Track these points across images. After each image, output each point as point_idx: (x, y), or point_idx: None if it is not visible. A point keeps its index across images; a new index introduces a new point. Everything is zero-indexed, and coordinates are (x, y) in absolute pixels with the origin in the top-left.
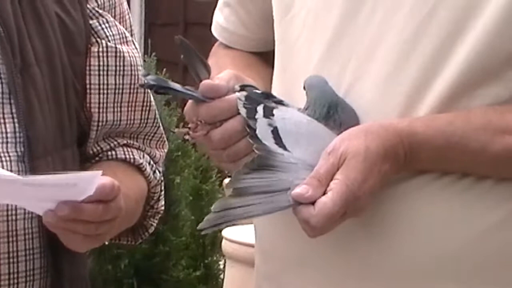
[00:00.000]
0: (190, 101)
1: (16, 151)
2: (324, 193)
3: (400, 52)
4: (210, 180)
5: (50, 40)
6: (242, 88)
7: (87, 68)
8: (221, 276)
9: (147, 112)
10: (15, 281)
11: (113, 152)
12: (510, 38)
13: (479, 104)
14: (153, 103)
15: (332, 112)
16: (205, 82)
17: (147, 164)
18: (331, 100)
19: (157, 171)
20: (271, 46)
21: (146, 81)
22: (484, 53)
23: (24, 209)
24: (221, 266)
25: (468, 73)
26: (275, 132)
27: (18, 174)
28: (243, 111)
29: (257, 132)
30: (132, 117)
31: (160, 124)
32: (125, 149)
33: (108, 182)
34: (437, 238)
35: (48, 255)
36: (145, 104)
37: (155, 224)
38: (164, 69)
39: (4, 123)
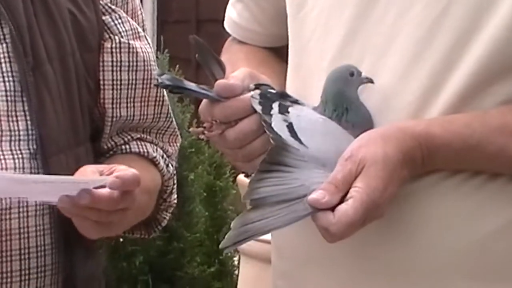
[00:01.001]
0: (204, 100)
1: (29, 149)
2: (342, 200)
3: (414, 50)
4: (224, 176)
5: (62, 37)
6: (257, 87)
7: (101, 64)
8: (236, 272)
9: (160, 107)
10: (27, 277)
11: (127, 146)
12: None
13: (493, 101)
14: (166, 97)
15: (342, 112)
16: (220, 81)
17: (161, 158)
18: (343, 101)
19: (170, 165)
20: (284, 41)
21: (161, 81)
22: (499, 50)
23: (36, 206)
24: (236, 263)
25: (483, 70)
26: (291, 127)
27: (30, 173)
28: (258, 108)
29: (272, 125)
30: (145, 112)
31: (173, 119)
32: (139, 143)
33: (129, 174)
34: (449, 235)
35: (60, 251)
36: (158, 99)
37: (167, 218)
38: (177, 66)
39: (17, 120)
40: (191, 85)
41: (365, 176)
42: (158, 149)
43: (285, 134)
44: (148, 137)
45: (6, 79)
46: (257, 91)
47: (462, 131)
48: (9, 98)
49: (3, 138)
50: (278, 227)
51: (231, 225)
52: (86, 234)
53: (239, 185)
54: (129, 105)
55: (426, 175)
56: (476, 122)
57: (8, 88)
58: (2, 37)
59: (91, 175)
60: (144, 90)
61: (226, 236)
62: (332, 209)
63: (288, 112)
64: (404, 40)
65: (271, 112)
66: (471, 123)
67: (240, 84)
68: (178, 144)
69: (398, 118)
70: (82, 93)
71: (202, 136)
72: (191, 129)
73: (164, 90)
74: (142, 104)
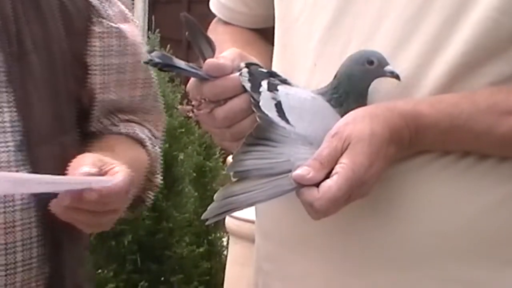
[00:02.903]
0: (193, 79)
1: (15, 140)
2: (327, 177)
3: (402, 31)
4: (213, 156)
5: (49, 26)
6: (247, 66)
7: (88, 48)
8: (225, 252)
9: (147, 88)
10: (12, 271)
11: (116, 128)
12: None
13: (483, 81)
14: (153, 79)
15: (341, 96)
16: (209, 60)
17: (147, 139)
18: (349, 85)
19: (156, 146)
20: (270, 22)
21: (151, 58)
22: (487, 31)
23: (22, 200)
24: (225, 243)
25: (472, 51)
26: (279, 106)
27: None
28: (247, 85)
29: (260, 104)
30: (133, 94)
31: (159, 100)
32: (127, 124)
33: (125, 185)
34: (438, 217)
35: (47, 243)
36: (146, 80)
37: (151, 197)
38: (168, 46)
39: (2, 112)
40: (181, 63)
41: (350, 153)
42: (145, 130)
43: (272, 113)
44: (135, 118)
45: None
46: (246, 69)
47: (450, 110)
48: None
49: None
50: (261, 201)
51: (214, 197)
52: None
53: (226, 172)
54: (117, 89)
55: (414, 157)
56: (465, 102)
57: None
58: None
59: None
60: (132, 73)
61: (208, 208)
62: (317, 185)
63: (277, 90)
64: (392, 21)
65: (260, 90)
66: (459, 103)
67: (229, 64)
68: (164, 123)
69: (386, 99)
70: (68, 80)
71: (190, 114)
72: (179, 107)
73: (152, 71)
74: (130, 86)
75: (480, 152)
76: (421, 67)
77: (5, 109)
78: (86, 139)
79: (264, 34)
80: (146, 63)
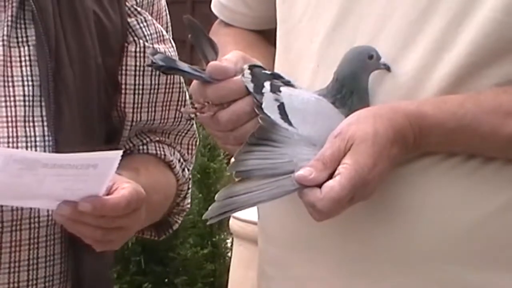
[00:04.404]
0: (196, 81)
1: None
2: (330, 177)
3: (407, 32)
4: (218, 158)
5: (86, 41)
6: (250, 68)
7: (123, 67)
8: (229, 254)
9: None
10: (34, 287)
11: (145, 147)
12: None
13: (487, 83)
14: (188, 101)
15: (345, 95)
16: (212, 63)
17: (177, 162)
18: (352, 83)
19: (186, 169)
20: (272, 24)
21: (154, 61)
22: (492, 32)
23: (48, 216)
24: (229, 245)
25: (477, 52)
26: (282, 108)
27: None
28: (250, 86)
29: (263, 106)
30: (166, 116)
31: (194, 122)
32: (157, 145)
33: (123, 199)
34: (443, 219)
35: (69, 260)
36: (180, 102)
37: (179, 222)
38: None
39: (34, 126)
40: (184, 66)
41: (354, 153)
42: (176, 152)
43: (275, 114)
44: (166, 139)
45: (26, 83)
46: (249, 71)
47: (455, 111)
48: (27, 103)
49: (19, 144)
50: (263, 201)
51: (215, 197)
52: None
53: (228, 172)
54: (150, 109)
55: (418, 159)
56: (469, 102)
57: (27, 93)
58: (25, 39)
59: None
60: (166, 95)
61: (209, 208)
62: (320, 186)
63: (280, 91)
64: (397, 21)
65: (263, 91)
66: (464, 103)
67: (233, 66)
68: (196, 147)
69: (390, 99)
70: (100, 97)
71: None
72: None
73: (186, 93)
74: (164, 108)
75: (485, 154)
76: (425, 68)
77: (37, 123)
78: None
79: (266, 36)
80: (149, 65)
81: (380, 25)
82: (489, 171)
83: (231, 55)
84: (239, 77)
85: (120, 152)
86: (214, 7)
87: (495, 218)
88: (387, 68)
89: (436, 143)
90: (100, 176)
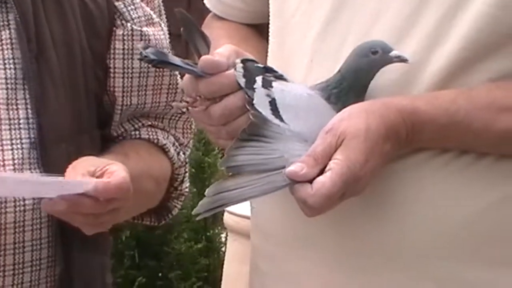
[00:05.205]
0: (187, 75)
1: (29, 138)
2: (322, 173)
3: (401, 26)
4: (212, 152)
5: (69, 23)
6: (243, 62)
7: (111, 51)
8: (223, 249)
9: (173, 95)
10: (21, 271)
11: (137, 132)
12: None
13: (480, 78)
14: (179, 85)
15: (341, 90)
16: (204, 57)
17: (171, 145)
18: (351, 78)
19: (181, 153)
20: (266, 18)
21: (145, 55)
22: (486, 26)
23: (34, 199)
24: (223, 239)
25: (470, 46)
26: (273, 104)
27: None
28: (241, 81)
29: (254, 102)
30: (158, 100)
31: None
32: (149, 130)
33: (114, 182)
34: (436, 216)
35: (56, 244)
36: (171, 86)
37: (179, 206)
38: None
39: (17, 109)
40: (176, 60)
41: (345, 149)
42: (170, 136)
43: (266, 111)
44: (160, 124)
45: (8, 66)
46: (241, 65)
47: (447, 106)
48: (9, 86)
49: (3, 127)
50: (254, 197)
51: (206, 192)
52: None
53: (219, 167)
54: (140, 93)
55: (412, 154)
56: (462, 98)
57: (8, 76)
58: (6, 23)
59: (80, 175)
60: (156, 78)
61: (200, 203)
62: (311, 181)
63: (272, 87)
64: (390, 16)
65: (254, 86)
66: (457, 99)
67: (225, 61)
68: (192, 131)
69: (383, 95)
70: (88, 81)
71: (185, 111)
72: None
73: (178, 77)
74: (154, 92)
75: (478, 150)
76: (418, 63)
77: (20, 106)
78: (107, 143)
79: (259, 29)
80: (141, 59)
81: (374, 19)
82: (482, 167)
83: (223, 49)
84: (232, 71)
85: (92, 182)
86: (207, 1)
87: (488, 214)
88: (403, 60)
89: (429, 139)
90: (76, 185)
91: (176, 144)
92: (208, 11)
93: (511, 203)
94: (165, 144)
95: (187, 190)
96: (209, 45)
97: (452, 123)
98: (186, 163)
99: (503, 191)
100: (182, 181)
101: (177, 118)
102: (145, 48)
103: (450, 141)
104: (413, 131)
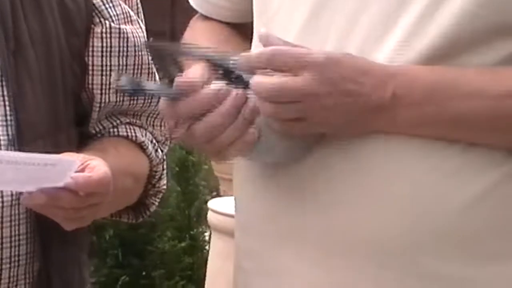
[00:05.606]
0: (163, 100)
1: (8, 135)
2: None
3: (380, 24)
4: (196, 151)
5: (47, 21)
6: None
7: (90, 49)
8: (207, 247)
9: None
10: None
11: (115, 130)
12: (496, 9)
13: None
14: (158, 82)
15: None
16: (180, 79)
17: (149, 143)
18: None
19: (159, 150)
20: (250, 17)
21: (120, 85)
22: (465, 23)
23: (12, 196)
24: (207, 238)
25: (448, 44)
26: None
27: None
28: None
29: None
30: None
31: None
32: (128, 127)
33: (95, 177)
34: (421, 211)
35: (35, 240)
36: None
37: (156, 203)
38: (151, 39)
39: None
40: (151, 85)
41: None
42: (148, 133)
43: None
44: (137, 121)
45: None
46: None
47: (436, 68)
48: None
49: None
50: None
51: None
52: (60, 224)
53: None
54: (118, 90)
55: (395, 145)
56: (452, 69)
57: None
58: None
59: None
60: (135, 76)
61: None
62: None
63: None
64: (370, 15)
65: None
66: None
67: (199, 79)
68: None
69: None
70: (66, 78)
71: (167, 137)
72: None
73: (155, 74)
74: None
75: (466, 125)
76: (398, 60)
77: None
78: (87, 140)
79: (243, 30)
80: (116, 88)
81: (354, 18)
82: (464, 161)
83: (194, 69)
84: (209, 89)
85: (77, 162)
86: (192, 1)
87: (471, 210)
88: None
89: (418, 101)
90: (60, 173)
91: (154, 141)
92: (192, 11)
93: (496, 198)
94: (143, 141)
95: (164, 187)
96: (181, 68)
97: (441, 82)
98: (164, 160)
99: (486, 186)
100: (160, 178)
101: (154, 116)
102: (118, 78)
103: (439, 105)
104: (402, 87)
